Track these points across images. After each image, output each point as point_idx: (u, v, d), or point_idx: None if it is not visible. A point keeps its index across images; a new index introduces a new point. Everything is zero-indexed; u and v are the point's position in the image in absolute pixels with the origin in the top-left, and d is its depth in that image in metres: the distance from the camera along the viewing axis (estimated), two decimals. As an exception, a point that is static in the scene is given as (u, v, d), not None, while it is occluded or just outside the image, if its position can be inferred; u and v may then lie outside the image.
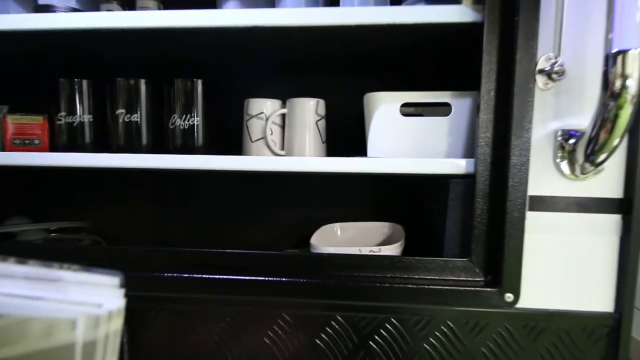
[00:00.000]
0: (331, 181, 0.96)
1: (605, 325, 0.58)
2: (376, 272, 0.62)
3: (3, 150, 0.86)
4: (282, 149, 0.82)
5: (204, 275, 0.63)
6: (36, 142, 0.88)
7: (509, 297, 0.58)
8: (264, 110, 0.81)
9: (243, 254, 0.65)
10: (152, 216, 1.04)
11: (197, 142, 0.85)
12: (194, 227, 1.02)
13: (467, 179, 0.61)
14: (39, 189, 1.06)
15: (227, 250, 0.66)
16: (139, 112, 0.86)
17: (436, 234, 0.70)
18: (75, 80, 0.87)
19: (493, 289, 0.59)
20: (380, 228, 0.86)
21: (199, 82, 0.84)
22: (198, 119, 0.85)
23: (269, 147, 0.81)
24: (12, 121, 0.86)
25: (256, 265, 0.64)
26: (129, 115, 0.86)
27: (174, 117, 0.85)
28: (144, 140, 0.87)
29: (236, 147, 0.85)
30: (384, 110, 0.67)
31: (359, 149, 0.77)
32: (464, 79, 0.66)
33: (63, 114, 0.87)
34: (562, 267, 0.59)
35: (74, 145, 0.86)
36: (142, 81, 0.85)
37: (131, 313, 0.64)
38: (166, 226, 1.03)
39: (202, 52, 0.85)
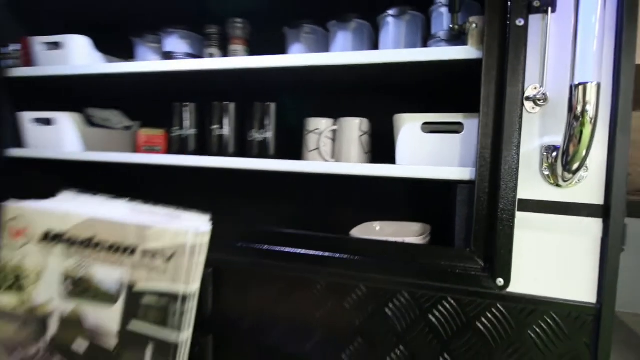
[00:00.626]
0: (373, 186, 1.13)
1: (588, 314, 0.67)
2: (401, 255, 0.78)
3: (135, 152, 1.19)
4: (332, 157, 1.02)
5: (287, 249, 0.84)
6: (157, 148, 1.20)
7: (500, 281, 0.71)
8: (319, 127, 1.03)
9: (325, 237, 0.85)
10: (234, 206, 1.31)
11: (269, 151, 1.09)
12: (264, 215, 1.27)
13: (470, 184, 0.75)
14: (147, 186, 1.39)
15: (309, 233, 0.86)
16: (227, 127, 1.14)
17: (452, 230, 0.84)
18: (184, 104, 1.18)
19: (487, 274, 0.72)
20: (413, 227, 1.02)
21: (272, 105, 1.09)
22: (270, 133, 1.10)
23: (321, 155, 1.02)
24: (143, 133, 1.20)
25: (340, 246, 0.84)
26: (220, 129, 1.14)
27: (252, 132, 1.11)
28: (230, 149, 1.15)
29: (296, 156, 1.08)
30: (408, 128, 0.85)
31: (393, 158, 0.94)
32: (471, 102, 0.81)
33: (176, 128, 1.19)
34: (550, 261, 0.69)
35: (183, 151, 1.16)
36: (231, 104, 1.13)
37: (219, 271, 0.89)
38: (243, 214, 1.30)
39: (275, 82, 1.10)
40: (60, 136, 1.12)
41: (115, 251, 0.48)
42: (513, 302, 0.71)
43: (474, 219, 0.73)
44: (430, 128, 0.83)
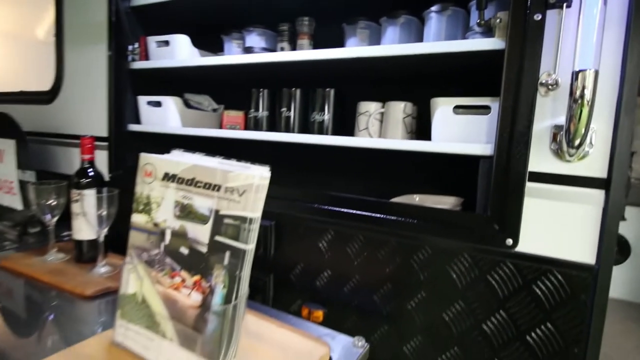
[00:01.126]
0: (415, 164, 1.27)
1: (587, 273, 0.77)
2: (427, 217, 0.93)
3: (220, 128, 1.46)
4: (379, 136, 1.18)
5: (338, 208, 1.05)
6: (237, 127, 1.46)
7: (509, 241, 0.82)
8: (368, 109, 1.19)
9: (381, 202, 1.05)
10: (295, 176, 1.53)
11: (327, 131, 1.29)
12: (318, 184, 1.47)
13: (490, 159, 0.87)
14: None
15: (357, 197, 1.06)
16: (293, 110, 1.35)
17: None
18: (260, 89, 1.41)
19: (499, 236, 0.84)
20: (448, 199, 1.14)
21: (331, 90, 1.28)
22: (328, 115, 1.29)
23: (369, 134, 1.18)
24: (227, 114, 1.46)
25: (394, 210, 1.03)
26: (287, 112, 1.36)
27: (313, 114, 1.31)
28: (295, 129, 1.36)
29: (349, 135, 1.25)
30: (442, 110, 0.98)
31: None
32: (498, 87, 0.91)
33: (252, 110, 1.43)
34: (556, 226, 0.79)
35: (257, 129, 1.40)
36: (296, 90, 1.33)
37: (280, 224, 1.11)
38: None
39: (334, 72, 1.28)
40: (165, 115, 1.43)
41: (207, 188, 0.71)
42: (521, 259, 0.82)
43: (491, 188, 0.86)
44: (461, 110, 0.95)
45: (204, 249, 0.70)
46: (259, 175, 0.68)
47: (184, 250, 0.72)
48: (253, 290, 1.14)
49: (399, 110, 1.14)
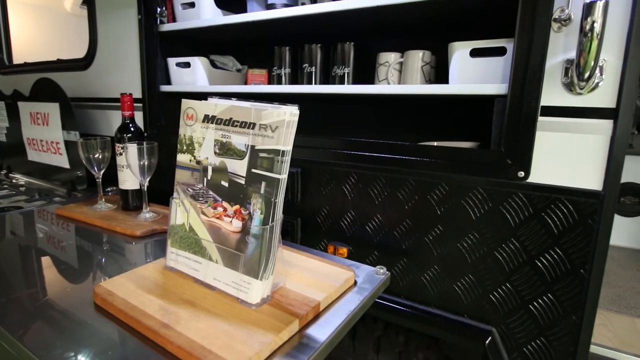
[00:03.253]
0: (435, 111, 1.32)
1: (594, 199, 0.82)
2: (443, 155, 0.99)
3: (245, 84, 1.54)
4: (398, 86, 1.23)
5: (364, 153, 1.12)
6: (261, 84, 1.53)
7: (521, 173, 0.88)
8: (388, 60, 1.24)
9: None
10: (319, 127, 1.60)
11: (348, 83, 1.34)
12: (340, 131, 1.54)
13: (505, 97, 0.92)
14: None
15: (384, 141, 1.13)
16: (314, 66, 1.41)
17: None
18: (282, 47, 1.47)
19: (512, 168, 0.90)
20: (465, 144, 1.20)
21: (351, 44, 1.32)
22: (349, 69, 1.34)
23: (389, 84, 1.23)
24: (251, 73, 1.53)
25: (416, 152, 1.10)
26: (309, 68, 1.41)
27: (334, 68, 1.36)
28: (318, 84, 1.42)
29: (370, 86, 1.31)
30: (459, 54, 1.02)
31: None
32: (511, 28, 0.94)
33: (275, 68, 1.49)
34: (565, 156, 0.85)
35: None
36: (317, 45, 1.38)
37: (306, 170, 1.20)
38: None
39: (353, 25, 1.32)
40: (194, 75, 1.51)
41: (243, 126, 0.79)
42: (531, 190, 0.88)
43: (505, 125, 0.91)
44: (477, 53, 0.99)
45: (242, 181, 0.80)
46: (289, 112, 0.75)
47: (225, 183, 0.82)
48: (282, 232, 1.25)
49: (418, 58, 1.18)
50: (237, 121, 0.80)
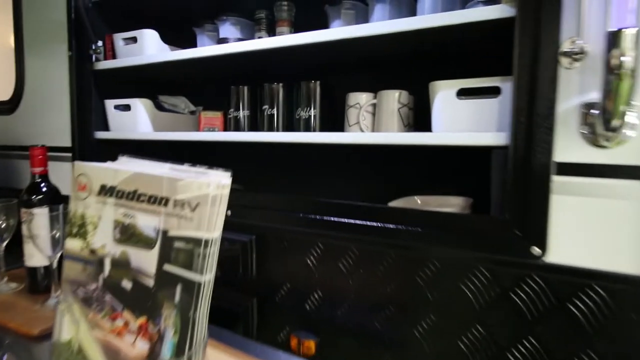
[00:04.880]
0: (415, 160, 1.12)
1: (635, 287, 0.61)
2: (431, 223, 0.78)
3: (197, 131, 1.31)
4: (372, 131, 1.03)
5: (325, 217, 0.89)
6: (215, 129, 1.31)
7: (536, 250, 0.67)
8: (359, 101, 1.04)
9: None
10: (280, 176, 1.38)
11: (314, 128, 1.13)
12: (307, 186, 1.32)
13: (505, 149, 0.72)
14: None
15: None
16: (276, 108, 1.20)
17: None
18: (240, 86, 1.26)
19: (523, 243, 0.68)
20: (454, 200, 0.99)
21: (317, 82, 1.13)
22: (315, 110, 1.14)
23: (361, 129, 1.03)
24: (204, 116, 1.31)
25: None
26: (270, 109, 1.21)
27: (298, 110, 1.16)
28: (280, 129, 1.21)
29: (339, 131, 1.11)
30: (443, 95, 0.82)
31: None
32: (509, 66, 0.76)
33: (232, 110, 1.28)
34: (593, 228, 0.64)
35: (237, 130, 1.25)
36: (278, 84, 1.19)
37: (261, 238, 0.96)
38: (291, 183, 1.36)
39: (318, 60, 1.13)
40: (135, 119, 1.28)
41: (153, 202, 0.56)
42: (551, 272, 0.67)
43: (508, 185, 0.70)
44: (465, 94, 0.80)
45: (150, 282, 0.55)
46: (215, 184, 0.53)
47: (127, 284, 0.57)
48: (233, 319, 0.99)
49: (393, 99, 0.98)
50: (145, 195, 0.56)
